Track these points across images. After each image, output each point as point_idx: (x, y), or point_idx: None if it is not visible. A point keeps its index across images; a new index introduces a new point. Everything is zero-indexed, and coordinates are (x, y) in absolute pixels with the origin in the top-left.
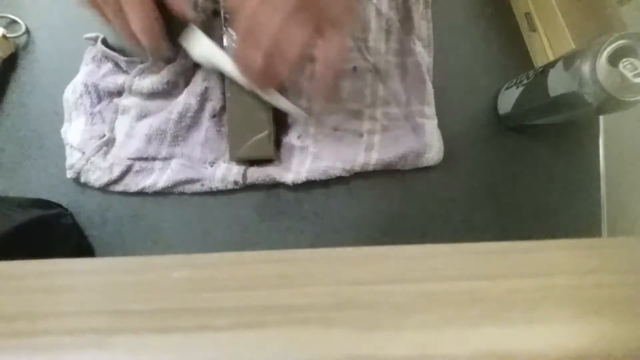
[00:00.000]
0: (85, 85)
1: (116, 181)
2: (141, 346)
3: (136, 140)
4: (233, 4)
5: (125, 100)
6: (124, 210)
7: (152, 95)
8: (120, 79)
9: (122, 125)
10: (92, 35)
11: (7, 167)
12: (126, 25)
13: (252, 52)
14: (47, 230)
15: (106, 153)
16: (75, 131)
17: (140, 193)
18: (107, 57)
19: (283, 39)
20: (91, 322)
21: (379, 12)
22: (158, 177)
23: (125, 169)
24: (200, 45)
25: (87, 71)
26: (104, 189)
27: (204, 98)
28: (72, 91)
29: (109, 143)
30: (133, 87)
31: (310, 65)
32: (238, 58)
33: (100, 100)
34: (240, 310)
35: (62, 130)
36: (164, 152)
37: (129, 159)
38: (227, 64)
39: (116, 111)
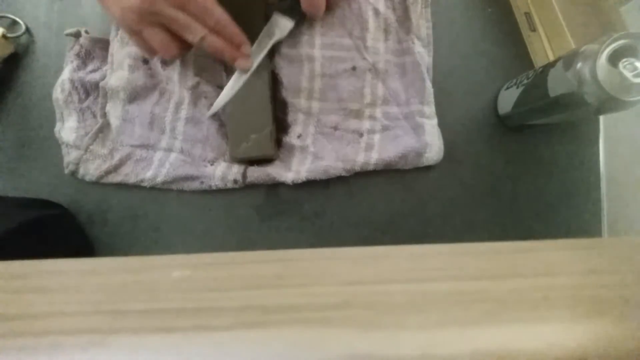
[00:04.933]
0: (72, 82)
1: (116, 169)
2: (141, 346)
3: (137, 126)
4: None
5: (111, 80)
6: (124, 210)
7: (134, 68)
8: (105, 69)
9: (114, 109)
10: (73, 30)
11: (7, 167)
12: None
13: None
14: (47, 230)
15: (104, 139)
16: (69, 129)
17: (140, 192)
18: (90, 52)
19: None
20: (91, 322)
21: (376, 12)
22: (157, 170)
23: (125, 155)
24: None
25: (72, 68)
26: (103, 179)
27: (196, 93)
28: (61, 90)
29: (104, 129)
30: (115, 60)
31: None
32: None
33: (88, 94)
34: (240, 310)
35: (56, 130)
36: (164, 143)
37: (131, 145)
38: None
39: (105, 95)
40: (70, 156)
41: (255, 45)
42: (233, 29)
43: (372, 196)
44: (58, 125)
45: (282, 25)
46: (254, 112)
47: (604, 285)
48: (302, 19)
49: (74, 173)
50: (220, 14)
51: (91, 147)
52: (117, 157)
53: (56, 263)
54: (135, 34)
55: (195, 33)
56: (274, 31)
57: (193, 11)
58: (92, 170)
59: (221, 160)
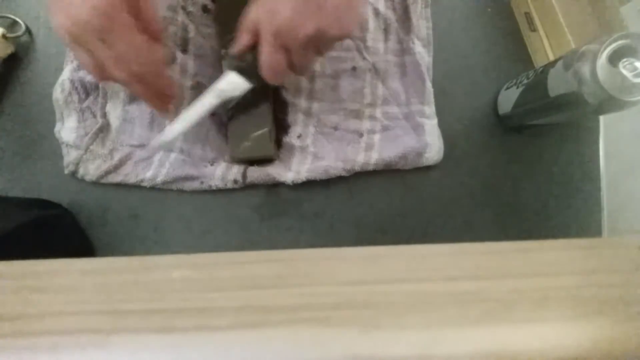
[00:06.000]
0: (72, 82)
1: (116, 169)
2: (141, 346)
3: (137, 126)
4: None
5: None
6: (124, 210)
7: None
8: None
9: (114, 109)
10: None
11: (7, 167)
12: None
13: (278, 55)
14: (47, 230)
15: (104, 139)
16: (69, 129)
17: (140, 192)
18: None
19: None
20: (91, 322)
21: (376, 12)
22: (157, 171)
23: (125, 155)
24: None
25: (72, 68)
26: (102, 179)
27: (196, 93)
28: (61, 90)
29: (104, 129)
30: None
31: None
32: (266, 61)
33: (88, 94)
34: (240, 310)
35: (56, 130)
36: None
37: (131, 145)
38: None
39: (105, 95)
40: (70, 156)
41: (202, 95)
42: (163, 80)
43: (372, 196)
44: (58, 125)
45: (236, 85)
46: (254, 112)
47: (604, 285)
48: (263, 84)
49: (74, 173)
50: (152, 62)
51: (91, 147)
52: (117, 157)
53: (56, 263)
54: (73, 49)
55: (117, 75)
56: (225, 89)
57: (119, 50)
58: (92, 170)
59: (221, 160)
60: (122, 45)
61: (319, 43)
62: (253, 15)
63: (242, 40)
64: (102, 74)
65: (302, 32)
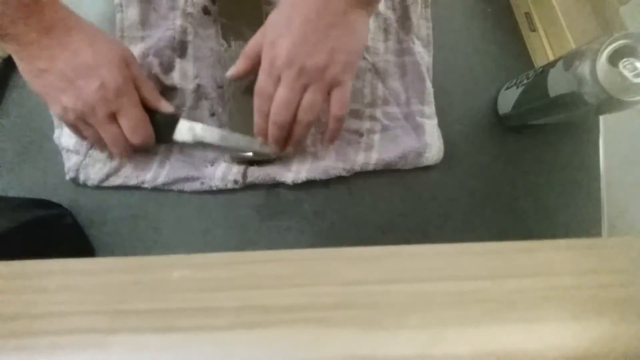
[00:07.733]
0: None
1: (116, 171)
2: (141, 346)
3: None
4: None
5: None
6: (123, 210)
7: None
8: None
9: None
10: None
11: (7, 167)
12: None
13: (269, 126)
14: (47, 230)
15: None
16: (69, 135)
17: (140, 192)
18: None
19: (294, 108)
20: (91, 322)
21: (376, 12)
22: (157, 172)
23: (125, 157)
24: (195, 133)
25: None
26: (104, 183)
27: (197, 95)
28: None
29: None
30: None
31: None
32: (258, 132)
33: None
34: (240, 310)
35: (55, 136)
36: (164, 144)
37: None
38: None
39: None
40: (70, 162)
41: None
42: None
43: (372, 196)
44: (57, 131)
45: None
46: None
47: (604, 285)
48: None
49: (74, 179)
50: (149, 134)
51: (90, 151)
52: (117, 159)
53: (56, 263)
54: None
55: (118, 147)
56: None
57: (128, 125)
58: (92, 174)
59: (221, 160)
60: (131, 120)
61: (316, 82)
62: (256, 43)
63: (242, 64)
64: (104, 147)
65: (297, 64)
